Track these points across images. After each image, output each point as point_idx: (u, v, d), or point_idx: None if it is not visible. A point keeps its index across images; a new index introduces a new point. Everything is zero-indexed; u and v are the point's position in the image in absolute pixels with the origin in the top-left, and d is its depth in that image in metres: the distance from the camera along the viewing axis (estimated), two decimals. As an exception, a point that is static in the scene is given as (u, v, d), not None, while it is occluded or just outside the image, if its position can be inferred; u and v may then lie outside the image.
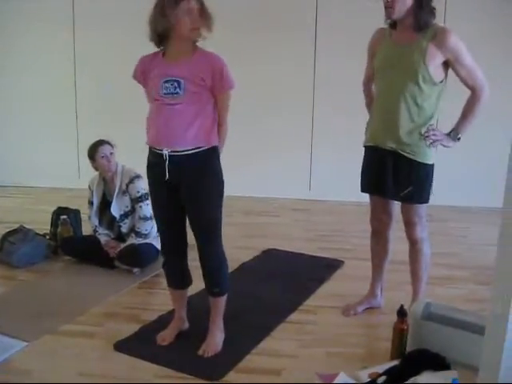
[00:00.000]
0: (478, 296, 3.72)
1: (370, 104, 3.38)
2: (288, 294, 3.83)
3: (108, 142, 4.23)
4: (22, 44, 6.39)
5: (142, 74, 2.89)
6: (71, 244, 4.47)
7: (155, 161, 2.89)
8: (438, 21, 3.01)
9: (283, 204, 6.11)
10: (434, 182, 3.22)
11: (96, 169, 4.27)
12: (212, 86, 2.79)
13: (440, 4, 3.05)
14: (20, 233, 4.44)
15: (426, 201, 3.20)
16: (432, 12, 2.97)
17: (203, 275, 3.07)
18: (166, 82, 2.76)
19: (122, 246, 4.23)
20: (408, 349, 2.92)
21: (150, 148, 2.93)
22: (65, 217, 4.63)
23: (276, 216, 5.76)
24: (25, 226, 4.56)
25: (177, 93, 2.76)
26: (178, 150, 2.81)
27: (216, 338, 3.10)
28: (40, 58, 6.39)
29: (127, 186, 4.18)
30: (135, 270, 4.15)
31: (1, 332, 3.22)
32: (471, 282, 4.04)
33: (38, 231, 4.55)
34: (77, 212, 4.75)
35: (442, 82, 3.03)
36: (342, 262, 4.39)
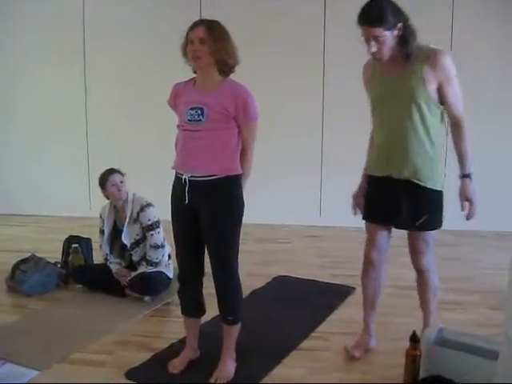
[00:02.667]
0: (490, 321, 3.69)
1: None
2: (299, 320, 3.82)
3: (118, 171, 4.26)
4: (36, 68, 6.49)
5: (173, 100, 3.00)
6: (82, 272, 4.47)
7: (178, 185, 2.97)
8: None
9: (294, 231, 6.10)
10: (445, 206, 3.16)
11: (107, 197, 4.29)
12: (235, 116, 2.85)
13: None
14: (31, 261, 4.46)
15: (439, 226, 3.14)
16: (414, 37, 2.89)
17: (218, 302, 3.06)
18: (192, 109, 2.84)
19: (133, 274, 4.23)
20: (421, 375, 2.89)
21: (175, 172, 3.01)
22: (76, 245, 4.65)
23: (287, 243, 5.75)
24: (36, 254, 4.58)
25: (199, 120, 2.82)
26: (196, 175, 2.86)
27: (228, 366, 3.09)
28: (52, 88, 6.48)
29: (138, 214, 4.20)
30: (146, 298, 4.14)
31: (12, 361, 3.22)
32: (483, 307, 4.01)
33: (49, 260, 4.56)
34: (88, 240, 4.77)
35: (442, 104, 2.96)
36: (354, 288, 4.36)
